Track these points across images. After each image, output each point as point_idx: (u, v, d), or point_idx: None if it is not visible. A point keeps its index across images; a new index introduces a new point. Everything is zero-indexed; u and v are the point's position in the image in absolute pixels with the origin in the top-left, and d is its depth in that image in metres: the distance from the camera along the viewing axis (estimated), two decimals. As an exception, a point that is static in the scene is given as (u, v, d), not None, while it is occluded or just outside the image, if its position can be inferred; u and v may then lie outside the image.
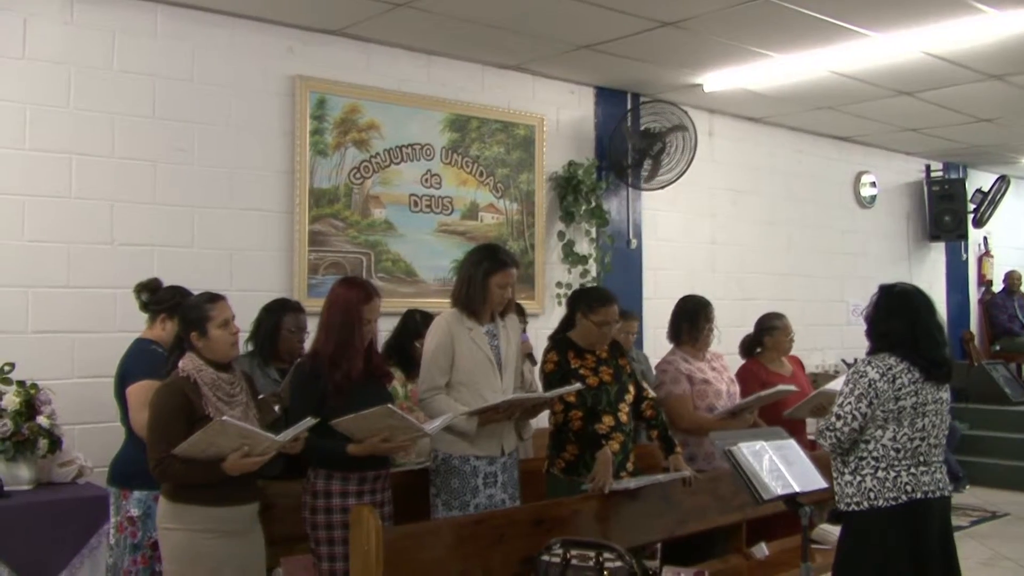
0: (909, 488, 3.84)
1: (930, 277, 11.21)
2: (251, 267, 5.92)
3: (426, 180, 6.65)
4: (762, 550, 5.13)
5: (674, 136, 7.50)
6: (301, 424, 3.63)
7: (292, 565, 4.34)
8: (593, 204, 7.43)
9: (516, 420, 4.56)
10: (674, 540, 4.94)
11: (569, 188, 7.33)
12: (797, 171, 9.59)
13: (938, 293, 11.24)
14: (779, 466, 4.15)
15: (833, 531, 5.31)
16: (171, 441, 3.45)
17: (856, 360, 8.94)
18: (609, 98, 7.80)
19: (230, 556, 3.61)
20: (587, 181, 7.36)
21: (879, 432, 3.88)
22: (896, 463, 3.86)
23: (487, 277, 4.45)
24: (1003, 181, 11.64)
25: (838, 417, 3.92)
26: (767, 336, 5.86)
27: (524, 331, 6.03)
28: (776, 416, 5.40)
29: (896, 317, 4.01)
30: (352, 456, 3.90)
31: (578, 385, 4.52)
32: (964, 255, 11.84)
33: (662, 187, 7.65)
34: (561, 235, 7.40)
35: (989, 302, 11.98)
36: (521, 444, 4.82)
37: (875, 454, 3.88)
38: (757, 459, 4.15)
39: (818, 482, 4.18)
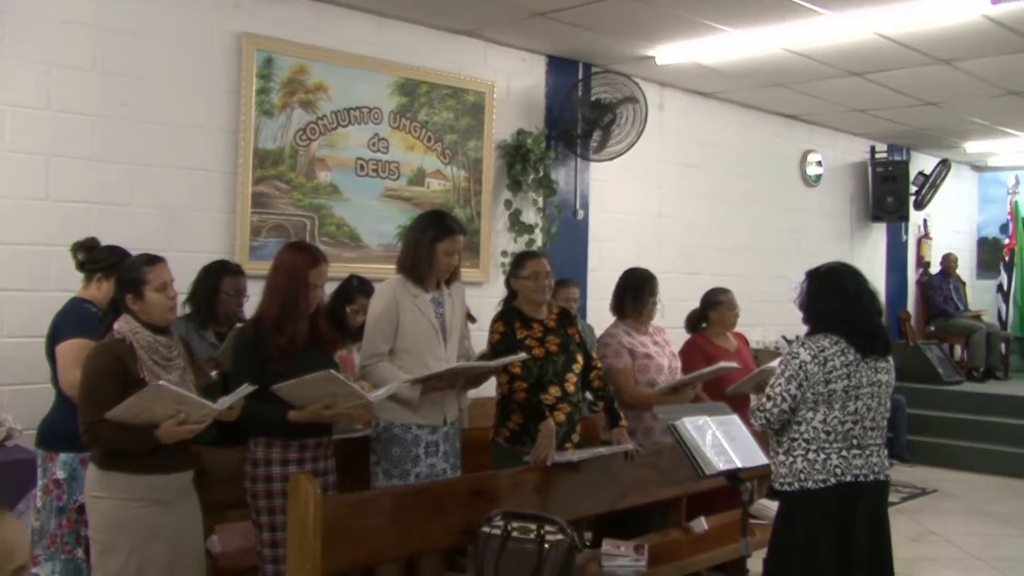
0: (839, 471, 3.82)
1: (871, 257, 11.36)
2: (192, 228, 5.79)
3: (373, 144, 6.55)
4: (701, 524, 5.16)
5: (624, 107, 7.45)
6: (238, 391, 3.54)
7: (227, 533, 4.27)
8: (541, 173, 7.38)
9: (459, 389, 4.53)
10: (615, 513, 4.95)
11: (517, 157, 7.27)
12: (745, 147, 9.61)
13: (878, 273, 11.43)
14: (722, 441, 4.19)
15: (772, 506, 5.32)
16: (103, 405, 3.33)
17: (792, 340, 9.11)
18: (560, 67, 7.73)
19: (161, 526, 3.52)
20: (536, 150, 7.30)
21: (810, 414, 3.86)
22: (827, 445, 3.84)
23: (433, 243, 4.39)
24: (944, 165, 11.77)
25: (768, 398, 3.92)
26: (712, 311, 5.86)
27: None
28: (720, 391, 5.43)
29: (826, 295, 4.00)
30: (293, 423, 3.82)
31: (521, 355, 4.47)
32: (904, 236, 11.99)
33: (611, 158, 7.62)
34: (508, 204, 7.34)
35: (926, 283, 12.17)
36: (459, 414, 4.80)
37: (806, 436, 3.87)
38: (700, 434, 4.18)
39: (759, 458, 4.23)
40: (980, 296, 12.97)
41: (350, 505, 3.80)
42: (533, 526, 3.87)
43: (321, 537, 3.58)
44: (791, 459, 3.89)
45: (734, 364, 5.52)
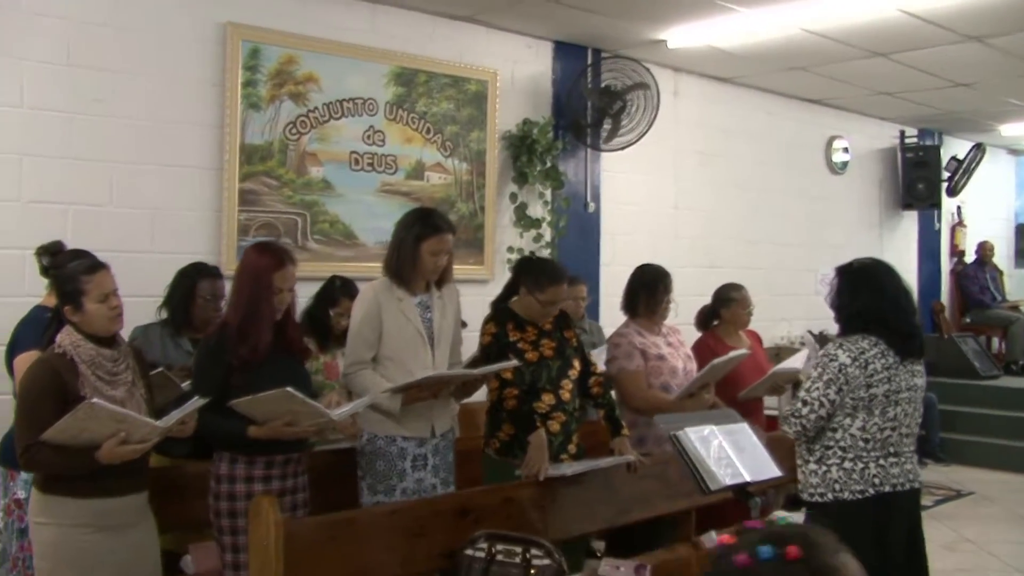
0: (877, 481, 3.61)
1: (901, 246, 10.96)
2: (175, 228, 5.53)
3: (368, 137, 6.26)
4: (712, 539, 4.78)
5: (635, 94, 7.12)
6: (187, 405, 3.26)
7: (201, 552, 4.00)
8: (548, 165, 7.06)
9: (449, 398, 4.24)
10: (618, 529, 4.63)
11: (523, 148, 6.95)
12: (766, 134, 9.24)
13: (909, 263, 11.04)
14: (729, 453, 3.87)
15: (790, 518, 5.02)
16: (40, 426, 3.04)
17: (817, 335, 8.76)
18: (568, 53, 7.40)
19: (111, 553, 3.23)
20: (542, 140, 6.97)
21: (848, 420, 3.63)
22: (864, 454, 3.62)
23: (418, 242, 4.09)
24: (978, 149, 11.31)
25: (804, 403, 3.65)
26: (724, 308, 5.52)
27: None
28: (733, 397, 5.10)
29: (862, 294, 3.76)
30: (254, 439, 3.54)
31: (512, 363, 4.16)
32: (937, 224, 11.54)
33: (622, 148, 7.28)
34: (514, 197, 7.02)
35: (961, 273, 11.73)
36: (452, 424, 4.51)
37: (842, 443, 3.64)
38: (704, 445, 3.86)
39: (771, 470, 3.90)
40: (1019, 285, 12.47)
41: (317, 528, 3.49)
42: (519, 549, 3.56)
43: (284, 563, 3.28)
44: (824, 468, 3.66)
45: (744, 350, 5.17)
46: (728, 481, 3.73)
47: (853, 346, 3.63)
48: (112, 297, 3.29)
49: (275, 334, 3.68)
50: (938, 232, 11.60)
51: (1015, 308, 11.59)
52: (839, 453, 3.63)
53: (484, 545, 3.60)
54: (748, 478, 3.77)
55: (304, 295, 4.96)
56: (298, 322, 4.00)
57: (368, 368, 4.08)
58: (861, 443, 3.61)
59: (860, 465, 3.61)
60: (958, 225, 11.88)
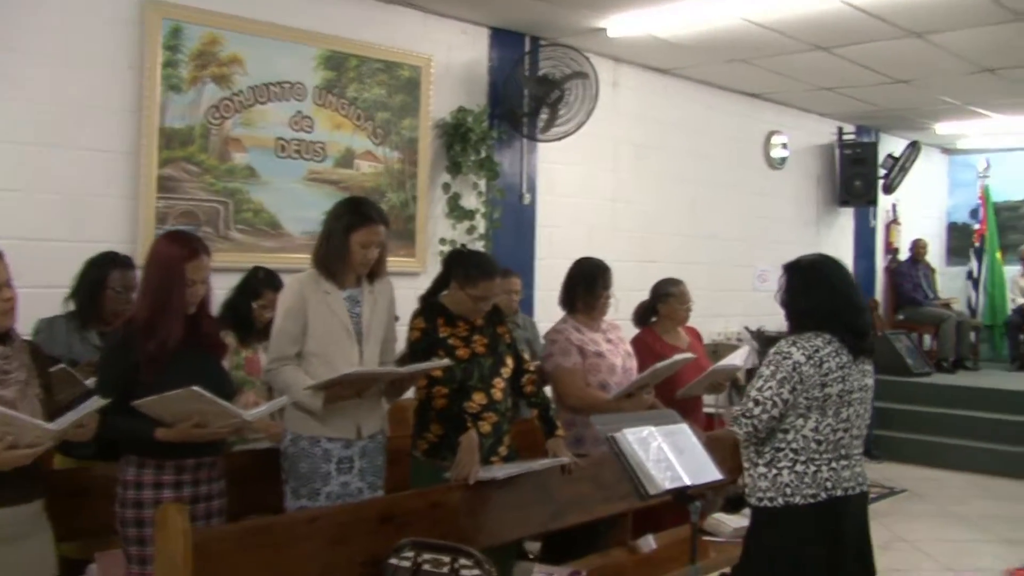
0: (829, 484, 3.47)
1: (838, 243, 10.95)
2: (90, 215, 5.24)
3: (295, 123, 6.00)
4: (649, 543, 4.65)
5: (574, 84, 6.93)
6: (84, 406, 2.99)
7: (107, 561, 3.73)
8: (483, 155, 6.86)
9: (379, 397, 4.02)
10: (553, 533, 4.45)
11: (457, 136, 6.74)
12: (706, 128, 9.13)
13: (845, 259, 10.47)
14: (668, 455, 3.75)
15: (728, 521, 4.90)
16: (-82, 430, 2.77)
17: (755, 331, 8.70)
18: (505, 40, 7.20)
19: (1, 569, 2.96)
20: (477, 129, 6.77)
21: (800, 421, 3.48)
22: (816, 456, 3.47)
23: (348, 233, 3.87)
24: (914, 148, 11.36)
25: (756, 403, 3.48)
26: (662, 304, 5.34)
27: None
28: (671, 395, 4.96)
29: (813, 291, 3.63)
30: (163, 442, 3.29)
31: (444, 362, 3.96)
32: (872, 222, 11.59)
33: (559, 138, 7.11)
34: (447, 187, 6.82)
35: (895, 270, 11.79)
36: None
37: (794, 446, 3.48)
38: (643, 447, 3.73)
39: (712, 473, 3.80)
40: (950, 284, 12.54)
41: (229, 537, 3.26)
42: (447, 558, 3.35)
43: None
44: (775, 471, 3.50)
45: (689, 355, 5.04)
46: (668, 485, 3.61)
47: (807, 344, 3.49)
48: (4, 289, 3.01)
49: (188, 329, 3.44)
50: (873, 229, 11.64)
51: (947, 306, 11.68)
52: (790, 456, 3.48)
53: (410, 554, 3.39)
54: (688, 481, 3.65)
55: (225, 286, 4.77)
56: (214, 316, 3.74)
57: (291, 364, 3.85)
58: (813, 445, 3.47)
59: (812, 468, 3.46)
60: (893, 223, 11.93)
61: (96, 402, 3.04)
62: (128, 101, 5.35)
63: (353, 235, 3.86)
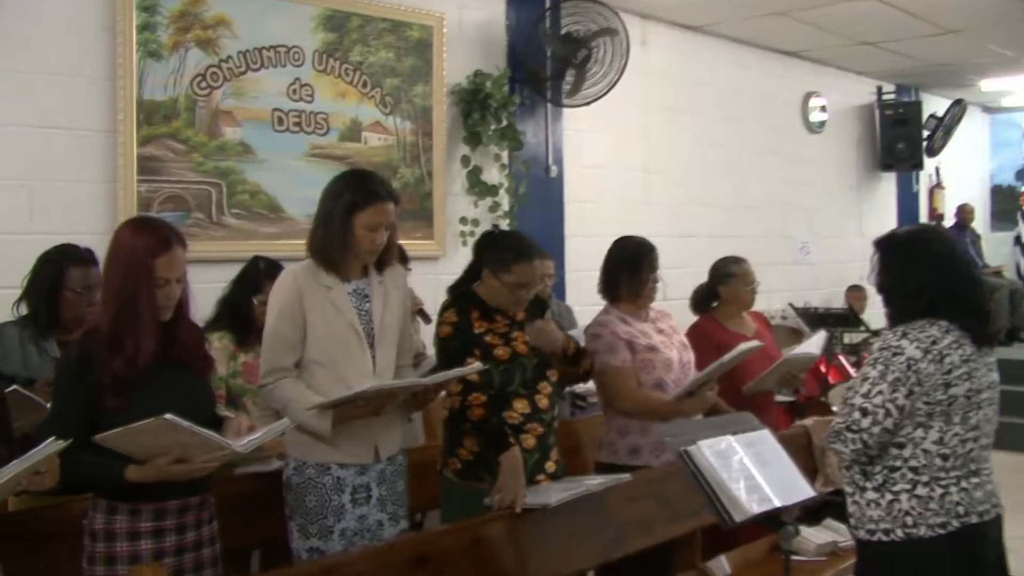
0: (961, 510, 2.83)
1: (880, 210, 10.38)
2: (58, 204, 4.61)
3: (294, 92, 5.37)
4: (722, 566, 3.97)
5: (601, 41, 6.28)
6: (40, 449, 2.34)
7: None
8: (504, 123, 6.24)
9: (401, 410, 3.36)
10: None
11: (475, 104, 6.11)
12: (740, 89, 8.49)
13: (889, 226, 10.21)
14: (752, 470, 3.09)
15: (811, 536, 4.25)
16: None
17: (800, 308, 8.05)
18: (524, -5, 6.58)
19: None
20: (497, 95, 6.14)
21: (919, 432, 2.84)
22: (943, 475, 2.84)
23: (350, 215, 3.19)
24: (958, 106, 10.70)
25: (864, 412, 2.83)
26: (723, 286, 4.67)
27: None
28: (736, 391, 4.34)
29: (919, 267, 2.98)
30: (136, 482, 2.63)
31: (475, 366, 3.30)
32: (915, 186, 10.97)
33: (587, 103, 6.46)
34: (466, 160, 6.19)
35: (941, 238, 11.09)
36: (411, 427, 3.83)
37: (913, 463, 2.85)
38: (723, 462, 3.08)
39: (803, 490, 3.15)
40: (995, 250, 11.88)
41: (222, 603, 2.61)
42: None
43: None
44: (890, 497, 2.87)
45: (755, 343, 4.34)
46: (756, 509, 2.95)
47: (921, 335, 2.85)
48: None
49: (162, 340, 2.77)
50: (916, 194, 11.05)
51: (997, 274, 11.00)
52: (909, 476, 2.83)
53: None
54: (778, 503, 2.99)
55: (221, 280, 4.26)
56: (196, 322, 3.06)
57: (290, 377, 3.20)
58: (938, 461, 2.82)
59: (938, 491, 2.82)
60: (936, 187, 11.36)
61: (52, 445, 2.39)
62: (99, 70, 4.72)
63: (357, 216, 3.19)
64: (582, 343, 4.07)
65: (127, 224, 2.87)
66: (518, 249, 3.59)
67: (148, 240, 2.74)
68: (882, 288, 3.09)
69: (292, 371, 3.21)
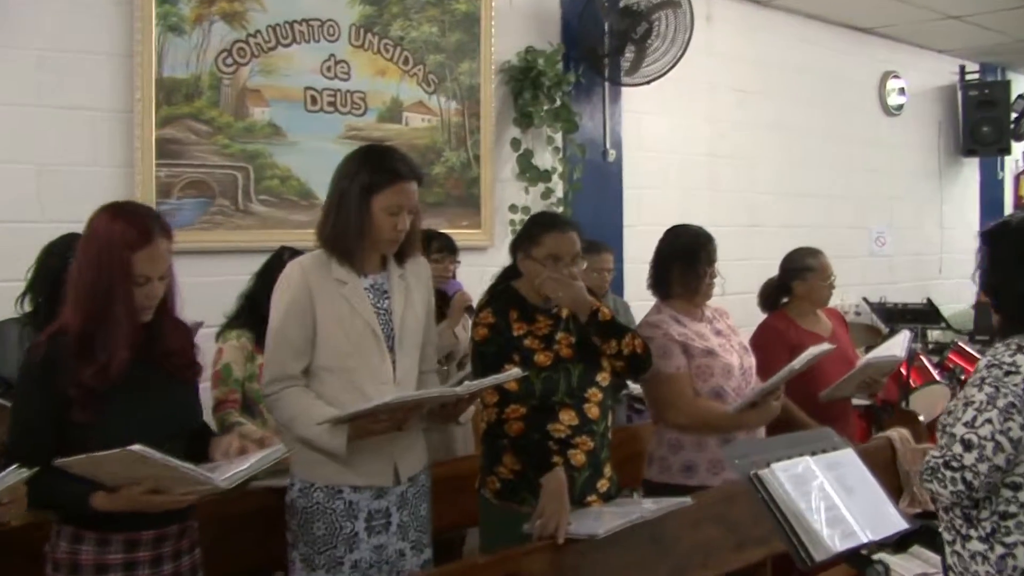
0: None
1: (962, 197, 9.82)
2: (71, 189, 4.32)
3: (328, 69, 5.06)
4: (796, 600, 3.56)
5: (663, 14, 5.91)
6: (4, 476, 2.02)
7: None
8: (558, 103, 5.90)
9: (428, 420, 2.99)
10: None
11: (526, 82, 5.78)
12: (812, 68, 8.02)
13: (971, 216, 9.92)
14: (834, 498, 2.63)
15: (899, 567, 3.76)
16: None
17: (875, 303, 7.56)
18: (579, -34, 6.20)
19: None
20: (550, 73, 5.80)
21: None
22: None
23: (367, 197, 2.82)
24: (1050, 86, 10.05)
25: (968, 446, 2.38)
26: (798, 281, 4.24)
27: (454, 275, 4.52)
28: (810, 397, 3.93)
29: None
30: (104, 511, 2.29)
31: (512, 373, 2.90)
32: (1000, 173, 10.34)
33: (647, 81, 6.07)
34: (516, 144, 5.87)
35: (1026, 227, 10.50)
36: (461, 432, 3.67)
37: None
38: (801, 489, 2.62)
39: (895, 522, 2.66)
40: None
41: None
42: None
43: None
44: (1001, 549, 2.42)
45: (827, 345, 3.88)
46: (839, 546, 2.49)
47: None
48: None
49: (142, 345, 2.40)
50: (1001, 181, 10.42)
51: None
52: None
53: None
54: (866, 538, 2.54)
55: (246, 273, 3.97)
56: (186, 324, 2.69)
57: (297, 386, 2.83)
58: None
59: None
60: (1023, 174, 10.64)
61: (15, 474, 2.06)
62: (116, 46, 4.44)
63: (375, 198, 2.82)
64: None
65: (104, 209, 2.50)
66: (543, 220, 3.37)
67: (126, 230, 2.38)
68: (988, 290, 2.64)
69: (300, 379, 2.85)
